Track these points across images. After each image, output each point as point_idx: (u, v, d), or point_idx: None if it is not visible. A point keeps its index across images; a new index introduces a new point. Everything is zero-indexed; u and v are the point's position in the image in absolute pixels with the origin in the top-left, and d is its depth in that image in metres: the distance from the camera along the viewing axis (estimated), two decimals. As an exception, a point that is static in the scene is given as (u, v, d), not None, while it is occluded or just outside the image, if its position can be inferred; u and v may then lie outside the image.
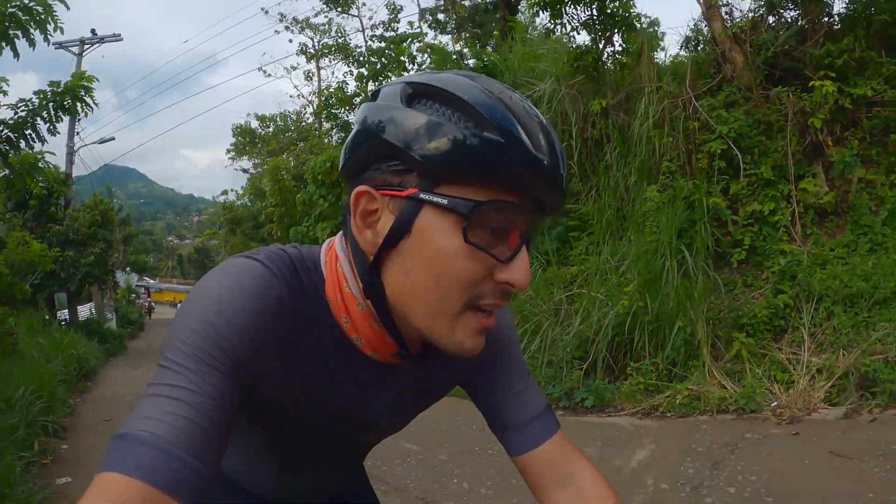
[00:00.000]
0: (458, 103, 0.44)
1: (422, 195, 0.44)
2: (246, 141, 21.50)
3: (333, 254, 0.53)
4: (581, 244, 5.27)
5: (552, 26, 6.01)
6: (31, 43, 3.19)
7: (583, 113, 5.72)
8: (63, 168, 11.09)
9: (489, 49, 9.41)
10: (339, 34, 13.39)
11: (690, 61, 5.50)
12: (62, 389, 4.66)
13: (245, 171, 20.46)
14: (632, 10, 5.63)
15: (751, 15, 5.84)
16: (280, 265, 0.50)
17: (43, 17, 3.09)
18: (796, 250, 4.34)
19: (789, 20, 5.56)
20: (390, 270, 0.47)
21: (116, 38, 12.20)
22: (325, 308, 0.52)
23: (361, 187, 0.47)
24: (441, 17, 14.52)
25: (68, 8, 3.28)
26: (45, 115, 3.47)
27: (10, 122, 3.39)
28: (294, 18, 15.22)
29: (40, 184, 6.34)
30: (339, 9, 12.17)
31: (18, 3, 3.00)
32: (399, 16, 13.64)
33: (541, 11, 6.04)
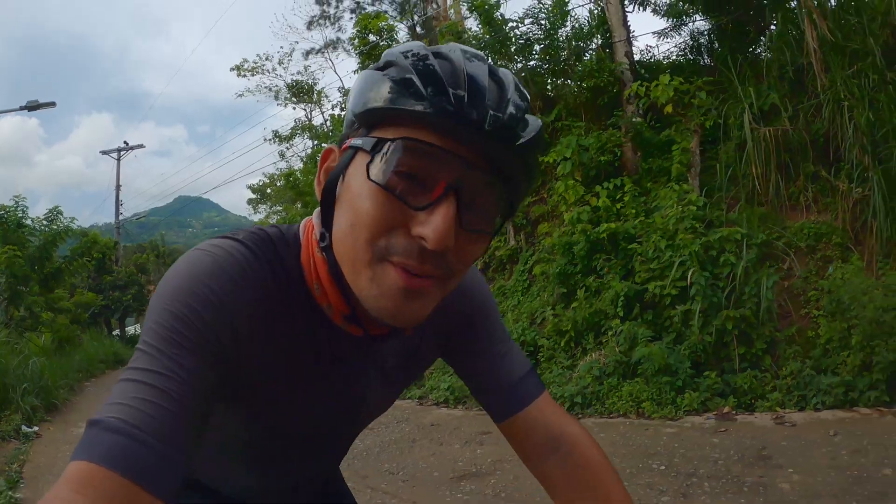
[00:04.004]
0: (401, 63, 0.44)
1: (352, 141, 0.45)
2: (258, 198, 26.47)
3: (310, 224, 0.53)
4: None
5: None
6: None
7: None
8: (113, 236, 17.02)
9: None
10: (304, 119, 15.69)
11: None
12: (101, 364, 9.80)
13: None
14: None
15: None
16: (260, 245, 0.50)
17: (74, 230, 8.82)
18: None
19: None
20: (335, 221, 0.47)
21: (140, 146, 19.51)
22: (302, 281, 0.51)
23: (329, 146, 0.50)
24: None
25: (86, 234, 9.20)
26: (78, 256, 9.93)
27: (68, 257, 9.55)
28: (286, 96, 16.00)
29: (97, 253, 12.96)
30: (304, 103, 15.29)
31: (61, 226, 8.65)
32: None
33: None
